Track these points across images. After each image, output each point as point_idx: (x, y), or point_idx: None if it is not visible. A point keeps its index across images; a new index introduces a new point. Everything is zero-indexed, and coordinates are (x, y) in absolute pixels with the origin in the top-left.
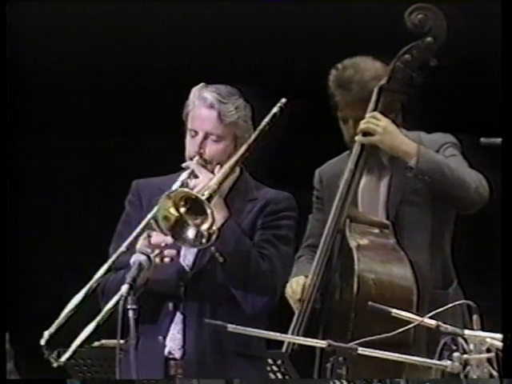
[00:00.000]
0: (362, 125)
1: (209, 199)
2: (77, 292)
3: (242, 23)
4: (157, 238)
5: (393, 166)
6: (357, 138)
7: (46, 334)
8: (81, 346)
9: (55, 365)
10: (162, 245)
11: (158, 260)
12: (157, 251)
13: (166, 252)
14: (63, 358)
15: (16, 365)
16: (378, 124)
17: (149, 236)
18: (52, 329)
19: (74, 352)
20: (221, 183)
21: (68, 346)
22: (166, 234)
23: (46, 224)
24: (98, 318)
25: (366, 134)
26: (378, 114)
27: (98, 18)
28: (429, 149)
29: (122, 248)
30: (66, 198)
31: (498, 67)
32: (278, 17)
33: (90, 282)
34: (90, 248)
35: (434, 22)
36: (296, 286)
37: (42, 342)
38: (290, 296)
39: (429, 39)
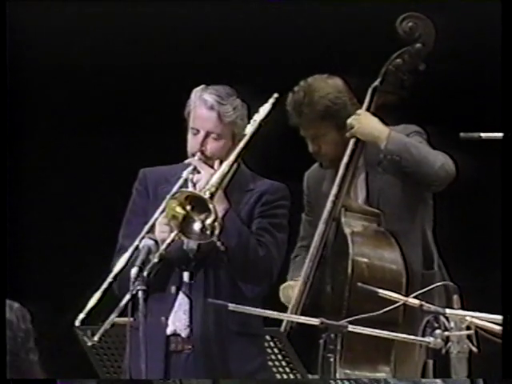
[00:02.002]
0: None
1: (212, 195)
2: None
3: (241, 23)
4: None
5: (366, 165)
6: (347, 134)
7: (81, 316)
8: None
9: (89, 343)
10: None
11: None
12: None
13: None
14: (96, 337)
15: (36, 343)
16: (355, 118)
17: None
18: (84, 312)
19: (105, 332)
20: (222, 180)
21: None
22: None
23: (51, 216)
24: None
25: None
26: (359, 111)
27: (98, 17)
28: (398, 132)
29: (136, 242)
30: (71, 189)
31: (497, 67)
32: (277, 17)
33: (115, 270)
34: (98, 235)
35: (424, 29)
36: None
37: (77, 323)
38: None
39: (418, 45)
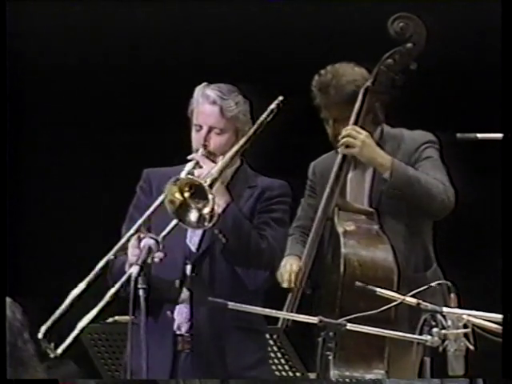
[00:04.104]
0: (344, 138)
1: (211, 185)
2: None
3: (241, 22)
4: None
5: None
6: (339, 149)
7: (43, 328)
8: (81, 332)
9: (52, 355)
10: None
11: (149, 260)
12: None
13: (156, 255)
14: (59, 350)
15: (31, 335)
16: (357, 137)
17: (139, 238)
18: (49, 323)
19: (72, 343)
20: (222, 171)
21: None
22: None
23: (52, 215)
24: (101, 303)
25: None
26: (357, 128)
27: (99, 17)
28: (401, 162)
29: (122, 241)
30: (72, 190)
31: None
32: (277, 16)
33: (90, 275)
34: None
35: (415, 29)
36: (288, 273)
37: (40, 335)
38: (282, 280)
39: (409, 45)
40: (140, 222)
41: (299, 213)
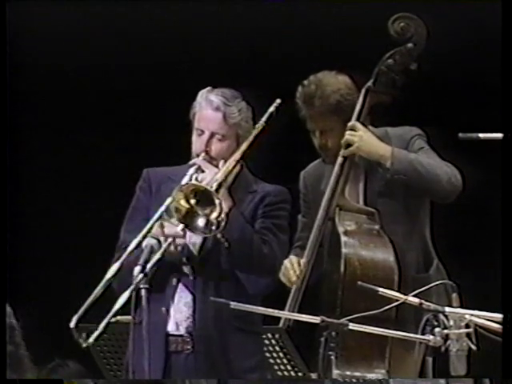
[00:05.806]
0: (343, 138)
1: (217, 190)
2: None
3: (241, 24)
4: (169, 228)
5: (365, 163)
6: (341, 151)
7: (75, 318)
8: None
9: (84, 345)
10: (173, 234)
11: (171, 248)
12: (169, 240)
13: (177, 241)
14: (91, 339)
15: (24, 338)
16: (354, 134)
17: (162, 227)
18: (80, 312)
19: (101, 333)
20: (227, 176)
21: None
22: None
23: (52, 217)
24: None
25: (346, 145)
26: (356, 124)
27: (101, 17)
28: (401, 149)
29: (139, 238)
30: (71, 191)
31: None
32: (277, 17)
33: (111, 270)
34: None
35: (415, 29)
36: (292, 268)
37: (71, 325)
38: (286, 276)
39: (410, 45)
40: (144, 231)
41: (298, 233)
